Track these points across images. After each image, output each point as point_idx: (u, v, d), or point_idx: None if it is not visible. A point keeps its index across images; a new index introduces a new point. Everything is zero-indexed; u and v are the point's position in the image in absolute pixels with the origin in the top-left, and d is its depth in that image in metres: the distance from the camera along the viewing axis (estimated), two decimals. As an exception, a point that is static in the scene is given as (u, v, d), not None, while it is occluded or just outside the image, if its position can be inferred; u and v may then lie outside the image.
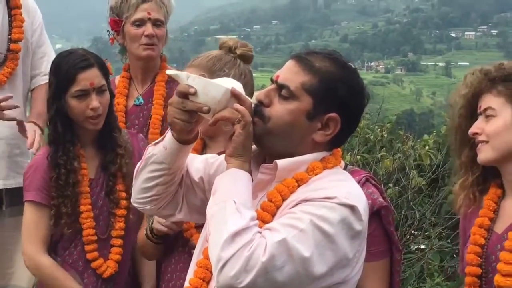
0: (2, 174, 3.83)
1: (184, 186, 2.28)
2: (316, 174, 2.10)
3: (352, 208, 2.00)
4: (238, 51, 2.86)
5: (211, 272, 2.10)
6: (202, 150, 2.87)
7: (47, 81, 3.28)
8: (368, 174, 2.59)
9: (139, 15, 3.68)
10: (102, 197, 3.18)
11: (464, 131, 2.61)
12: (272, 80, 2.16)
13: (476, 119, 2.58)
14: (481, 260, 2.55)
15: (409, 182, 5.27)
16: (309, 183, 2.09)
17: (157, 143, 2.20)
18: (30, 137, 3.57)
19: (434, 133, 5.88)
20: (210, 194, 2.07)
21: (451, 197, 4.95)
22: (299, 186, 2.09)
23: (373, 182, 2.57)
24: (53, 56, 3.84)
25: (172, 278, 2.88)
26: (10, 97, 3.49)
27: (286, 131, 2.09)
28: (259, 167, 2.16)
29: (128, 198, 2.98)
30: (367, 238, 2.12)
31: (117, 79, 3.82)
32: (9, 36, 3.83)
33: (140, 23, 3.68)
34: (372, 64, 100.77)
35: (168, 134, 2.15)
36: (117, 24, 3.75)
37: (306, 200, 2.01)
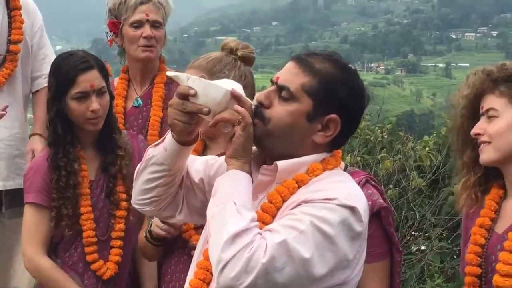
0: (1, 175, 3.83)
1: (184, 188, 2.28)
2: (316, 175, 2.10)
3: (352, 209, 2.00)
4: (239, 53, 2.86)
5: (211, 273, 2.10)
6: (202, 151, 2.87)
7: None
8: (368, 175, 2.59)
9: (137, 16, 3.68)
10: (102, 199, 3.19)
11: (466, 131, 2.61)
12: (272, 82, 2.16)
13: (478, 119, 2.58)
14: (481, 260, 2.55)
15: (409, 183, 5.26)
16: (309, 184, 2.09)
17: (158, 144, 2.20)
18: (28, 161, 3.59)
19: (434, 134, 5.87)
20: (210, 196, 2.07)
21: (451, 198, 4.98)
22: (299, 187, 2.09)
23: (373, 183, 2.57)
24: (53, 57, 3.84)
25: (172, 279, 2.88)
26: (6, 106, 3.49)
27: (286, 132, 2.09)
28: (259, 168, 2.16)
29: (128, 199, 2.99)
30: (367, 239, 2.12)
31: (116, 81, 3.82)
32: (9, 38, 3.83)
33: (138, 24, 3.68)
34: (372, 65, 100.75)
35: (168, 136, 2.16)
36: (115, 26, 3.76)
37: (306, 202, 2.01)
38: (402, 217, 5.16)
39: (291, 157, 2.11)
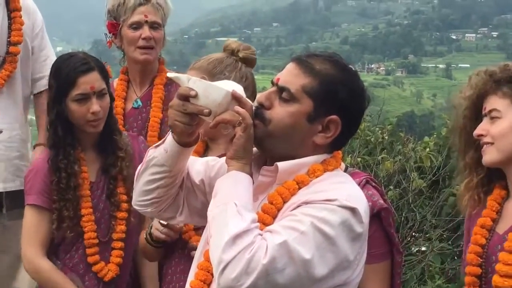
0: (1, 177, 3.83)
1: (185, 189, 2.28)
2: (317, 177, 2.10)
3: (353, 211, 2.00)
4: (240, 54, 2.86)
5: (212, 274, 2.10)
6: (203, 153, 2.88)
7: None
8: (368, 176, 2.59)
9: (136, 18, 3.68)
10: (103, 200, 3.19)
11: (469, 132, 2.61)
12: (272, 83, 2.16)
13: (481, 120, 2.58)
14: (481, 260, 2.55)
15: (409, 184, 5.26)
16: (310, 185, 2.09)
17: (158, 145, 2.20)
18: None
19: (435, 135, 5.87)
20: (211, 197, 2.07)
21: (451, 199, 4.98)
22: (300, 188, 2.09)
23: (374, 184, 2.57)
24: (54, 59, 3.84)
25: (172, 280, 2.89)
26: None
27: (287, 133, 2.10)
28: (260, 169, 2.16)
29: (129, 201, 2.99)
30: (368, 240, 2.12)
31: (115, 82, 3.82)
32: (8, 39, 3.82)
33: (137, 26, 3.68)
34: (372, 66, 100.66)
35: (169, 137, 2.16)
36: (114, 27, 3.76)
37: (307, 203, 2.01)
38: (403, 218, 5.16)
39: (292, 158, 2.11)
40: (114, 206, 3.19)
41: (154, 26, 3.71)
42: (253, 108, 2.11)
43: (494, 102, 2.54)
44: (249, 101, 2.11)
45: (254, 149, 2.14)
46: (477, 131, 2.56)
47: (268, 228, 1.99)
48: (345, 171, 2.44)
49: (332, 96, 2.10)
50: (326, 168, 2.13)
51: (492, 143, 2.52)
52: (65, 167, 3.10)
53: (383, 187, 4.66)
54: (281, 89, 2.12)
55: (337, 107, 2.11)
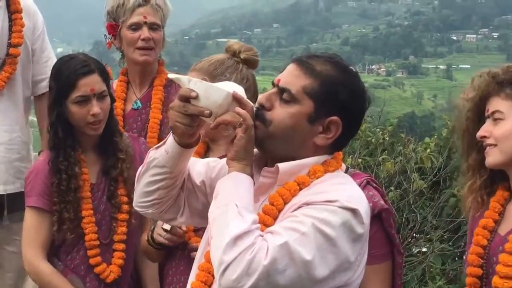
0: (2, 179, 3.82)
1: (185, 190, 2.28)
2: (317, 178, 2.10)
3: (354, 212, 2.00)
4: (242, 55, 2.86)
5: (213, 275, 2.10)
6: (204, 154, 2.88)
7: None
8: (369, 177, 2.59)
9: (135, 19, 3.68)
10: (103, 202, 3.19)
11: (472, 134, 2.61)
12: (273, 84, 2.16)
13: (484, 122, 2.57)
14: (482, 261, 2.55)
15: (410, 185, 5.26)
16: (310, 186, 2.09)
17: (159, 147, 2.20)
18: None
19: (436, 136, 5.87)
20: (211, 198, 2.07)
21: (452, 200, 4.98)
22: (300, 189, 2.09)
23: (374, 185, 2.57)
24: (55, 60, 3.84)
25: (173, 281, 2.89)
26: None
27: (288, 134, 2.10)
28: (260, 170, 2.16)
29: (130, 202, 2.99)
30: (369, 241, 2.12)
31: (115, 83, 3.81)
32: (9, 41, 3.82)
33: (136, 27, 3.68)
34: (373, 67, 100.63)
35: (170, 138, 2.16)
36: (113, 28, 3.75)
37: (307, 204, 2.01)
38: (403, 219, 5.16)
39: (292, 159, 2.12)
40: (115, 207, 3.19)
41: (153, 27, 3.71)
42: (254, 109, 2.11)
43: (497, 104, 2.54)
44: (249, 102, 2.11)
45: (255, 150, 2.14)
46: (480, 133, 2.55)
47: (269, 229, 1.99)
48: (346, 172, 2.44)
49: (332, 97, 2.10)
50: (326, 169, 2.13)
51: (495, 145, 2.52)
52: (65, 169, 3.10)
53: (383, 188, 4.66)
54: (281, 90, 2.12)
55: (337, 108, 2.11)
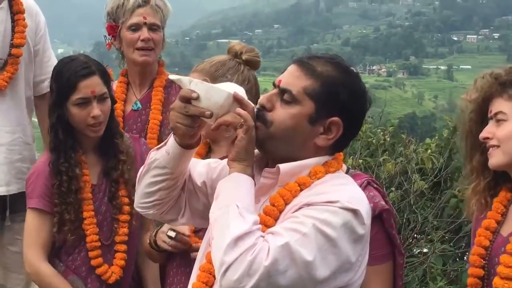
0: (4, 180, 3.82)
1: (186, 191, 2.28)
2: (318, 178, 2.10)
3: (355, 212, 2.00)
4: (243, 57, 2.86)
5: (214, 276, 2.10)
6: (206, 155, 2.87)
7: None
8: (370, 178, 2.59)
9: (134, 19, 3.68)
10: (105, 203, 3.19)
11: (475, 135, 2.60)
12: (274, 85, 2.16)
13: (487, 123, 2.57)
14: (484, 262, 2.55)
15: (411, 185, 5.26)
16: (311, 187, 2.09)
17: (160, 147, 2.20)
18: None
19: (436, 137, 5.87)
20: (212, 199, 2.07)
21: (453, 201, 4.98)
22: (301, 190, 2.09)
23: (375, 185, 2.56)
24: (55, 60, 3.84)
25: (174, 282, 2.88)
26: None
27: (289, 135, 2.10)
28: (261, 171, 2.16)
29: (131, 203, 2.99)
30: (369, 242, 2.12)
31: (115, 84, 3.81)
32: (11, 41, 3.82)
33: (136, 27, 3.68)
34: (374, 67, 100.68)
35: (171, 139, 2.16)
36: (113, 29, 3.76)
37: (308, 204, 2.01)
38: (404, 220, 5.16)
39: (293, 160, 2.12)
40: (116, 209, 3.19)
41: (153, 28, 3.71)
42: (255, 110, 2.11)
43: (499, 105, 2.53)
44: (250, 103, 2.11)
45: (256, 151, 2.14)
46: (483, 134, 2.55)
47: (270, 230, 1.99)
48: (347, 172, 2.44)
49: (333, 98, 2.10)
50: (327, 170, 2.13)
51: (498, 146, 2.51)
52: (66, 170, 3.10)
53: (384, 188, 4.66)
54: (282, 91, 2.12)
55: (338, 109, 2.11)
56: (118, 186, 3.19)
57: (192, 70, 2.88)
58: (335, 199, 2.00)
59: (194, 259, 2.34)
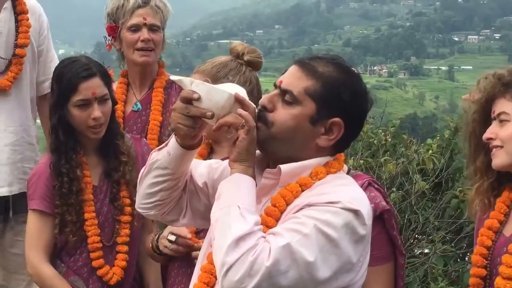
0: (7, 181, 3.82)
1: (188, 192, 2.28)
2: (319, 179, 2.10)
3: (356, 213, 2.00)
4: (245, 57, 2.86)
5: (215, 277, 2.10)
6: (208, 155, 2.88)
7: None
8: (371, 178, 2.58)
9: (134, 20, 3.68)
10: (106, 204, 3.19)
11: (478, 136, 2.60)
12: (275, 85, 2.16)
13: (490, 124, 2.57)
14: (486, 262, 2.54)
15: (412, 186, 5.26)
16: (312, 187, 2.09)
17: (161, 148, 2.20)
18: None
19: (438, 137, 5.87)
20: (214, 199, 2.07)
21: (454, 201, 4.98)
22: (302, 190, 2.09)
23: (376, 186, 2.56)
24: (57, 60, 3.84)
25: (175, 282, 2.89)
26: None
27: (290, 136, 2.10)
28: (262, 172, 2.16)
29: (132, 204, 2.99)
30: (371, 242, 2.12)
31: (115, 85, 3.81)
32: (15, 42, 3.82)
33: (135, 28, 3.68)
34: (375, 68, 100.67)
35: (172, 140, 2.16)
36: (113, 30, 3.76)
37: (310, 205, 2.01)
38: (406, 220, 5.16)
39: (295, 160, 2.12)
40: (118, 210, 3.18)
41: (153, 28, 3.71)
42: (256, 110, 2.12)
43: (502, 105, 2.52)
44: (252, 103, 2.11)
45: (257, 151, 2.14)
46: (486, 135, 2.54)
47: (271, 230, 2.00)
48: (348, 173, 2.43)
49: (334, 99, 2.10)
50: (329, 171, 2.13)
51: (501, 147, 2.51)
52: (67, 171, 3.10)
53: (385, 189, 4.66)
54: (283, 92, 2.12)
55: (339, 110, 2.11)
56: (119, 187, 3.19)
57: (194, 71, 2.88)
58: (336, 199, 2.00)
59: (195, 260, 2.34)
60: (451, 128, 5.55)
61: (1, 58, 3.79)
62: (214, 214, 2.02)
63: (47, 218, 3.12)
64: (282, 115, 2.10)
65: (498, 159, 2.52)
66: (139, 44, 3.68)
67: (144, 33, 3.67)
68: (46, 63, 4.00)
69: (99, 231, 3.14)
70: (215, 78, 2.75)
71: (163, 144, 2.21)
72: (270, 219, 2.06)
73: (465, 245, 5.10)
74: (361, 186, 2.37)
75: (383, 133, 5.91)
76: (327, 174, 2.12)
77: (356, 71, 2.20)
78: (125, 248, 3.18)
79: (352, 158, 5.38)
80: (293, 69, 2.16)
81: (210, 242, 2.07)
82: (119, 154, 3.19)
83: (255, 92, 2.81)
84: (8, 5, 3.83)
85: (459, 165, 5.32)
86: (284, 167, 2.10)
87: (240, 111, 2.06)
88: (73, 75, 3.05)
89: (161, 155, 2.18)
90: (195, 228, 2.79)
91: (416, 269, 4.98)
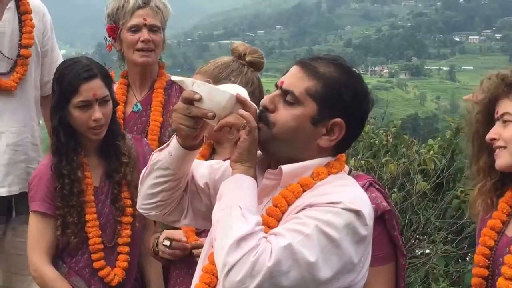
0: (7, 181, 3.82)
1: (189, 192, 2.28)
2: (321, 179, 2.11)
3: (357, 213, 2.00)
4: (247, 58, 2.86)
5: (216, 277, 2.11)
6: (210, 156, 2.88)
7: None
8: (372, 179, 2.58)
9: (134, 21, 3.68)
10: (107, 205, 3.19)
11: (481, 137, 2.59)
12: (276, 86, 2.16)
13: (493, 124, 2.56)
14: (488, 262, 2.54)
15: (413, 186, 5.26)
16: (314, 188, 2.09)
17: (163, 149, 2.20)
18: None
19: (439, 138, 5.87)
20: (215, 200, 2.07)
21: (455, 202, 4.98)
22: (304, 191, 2.09)
23: (377, 186, 2.56)
24: (62, 60, 3.84)
25: (177, 282, 2.89)
26: None
27: (291, 136, 2.10)
28: (264, 172, 2.16)
29: (134, 205, 2.98)
30: (372, 243, 2.12)
31: (115, 86, 3.80)
32: (19, 42, 3.82)
33: (136, 29, 3.68)
34: (376, 68, 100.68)
35: (173, 140, 2.16)
36: (114, 31, 3.76)
37: (311, 205, 2.01)
38: (407, 221, 5.16)
39: (296, 161, 2.12)
40: (119, 211, 3.18)
41: (153, 29, 3.71)
42: (258, 111, 2.12)
43: (506, 106, 2.52)
44: (253, 104, 2.11)
45: (259, 152, 2.14)
46: (489, 135, 2.54)
47: (272, 231, 2.00)
48: (349, 173, 2.43)
49: (336, 99, 2.11)
50: (330, 171, 2.13)
51: (505, 147, 2.50)
52: (68, 173, 3.10)
53: (387, 189, 4.66)
54: (285, 92, 2.12)
55: (341, 110, 2.11)
56: (120, 188, 3.19)
57: (195, 72, 2.88)
58: (338, 200, 2.00)
59: (197, 260, 2.34)
60: (452, 128, 5.55)
61: (6, 58, 3.78)
62: (216, 214, 2.02)
63: (48, 220, 3.12)
64: (284, 115, 2.10)
65: (502, 160, 2.52)
66: (139, 45, 3.68)
67: (144, 34, 3.67)
68: (51, 63, 3.99)
69: (100, 232, 3.13)
70: (217, 79, 2.75)
71: (164, 145, 2.21)
72: (271, 220, 2.06)
73: (466, 245, 5.09)
74: (362, 187, 2.37)
75: (384, 134, 5.91)
76: (329, 175, 2.12)
77: (357, 72, 2.20)
78: (126, 249, 3.18)
79: (353, 159, 5.38)
80: (294, 70, 2.16)
81: (212, 243, 2.07)
82: (120, 155, 3.19)
83: (257, 93, 2.80)
84: (11, 5, 3.82)
85: (460, 166, 5.32)
86: (285, 167, 2.10)
87: (242, 111, 2.06)
88: (74, 76, 3.05)
89: (163, 156, 2.18)
90: (194, 228, 2.79)
91: (417, 269, 4.98)
